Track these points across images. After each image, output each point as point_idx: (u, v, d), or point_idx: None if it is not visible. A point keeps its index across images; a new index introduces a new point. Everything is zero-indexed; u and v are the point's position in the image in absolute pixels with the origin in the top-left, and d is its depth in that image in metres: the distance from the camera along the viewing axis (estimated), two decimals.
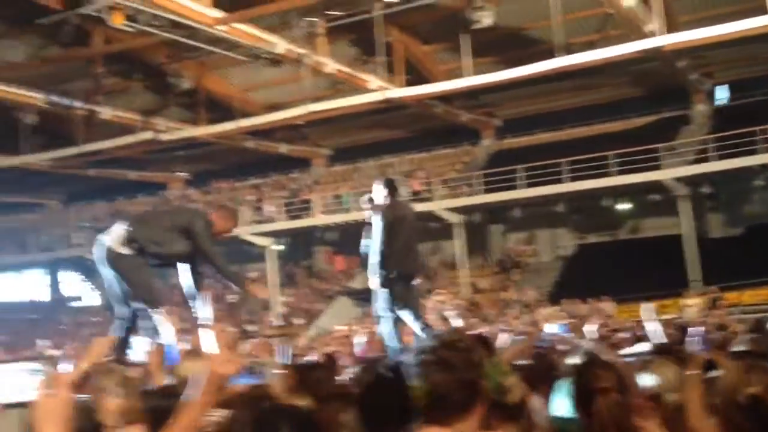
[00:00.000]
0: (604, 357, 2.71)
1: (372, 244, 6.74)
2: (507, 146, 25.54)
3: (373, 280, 6.76)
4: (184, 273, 5.91)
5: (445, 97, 21.59)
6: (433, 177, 24.23)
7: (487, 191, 22.58)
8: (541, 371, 3.44)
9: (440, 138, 25.82)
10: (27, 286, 31.97)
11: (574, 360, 2.81)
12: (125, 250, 5.65)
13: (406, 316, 6.78)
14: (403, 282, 6.84)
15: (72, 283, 32.03)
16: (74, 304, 30.96)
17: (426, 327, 6.88)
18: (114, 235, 5.71)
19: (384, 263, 6.69)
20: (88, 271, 29.73)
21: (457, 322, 13.58)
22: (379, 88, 19.44)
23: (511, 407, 2.51)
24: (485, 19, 16.54)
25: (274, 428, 1.66)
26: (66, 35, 16.73)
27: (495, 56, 20.30)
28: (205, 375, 1.88)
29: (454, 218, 22.64)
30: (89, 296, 30.66)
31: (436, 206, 22.63)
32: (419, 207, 22.84)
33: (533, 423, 2.81)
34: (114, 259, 5.65)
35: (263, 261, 25.53)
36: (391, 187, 6.99)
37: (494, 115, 25.79)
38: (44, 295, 32.02)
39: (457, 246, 22.80)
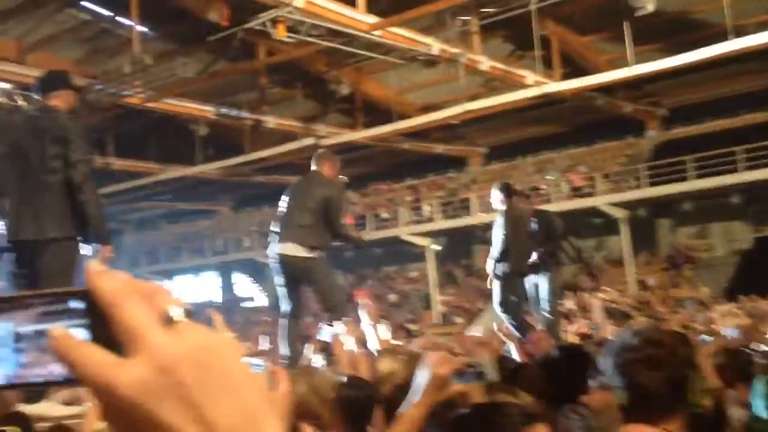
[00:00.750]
0: None
1: (494, 244, 7.55)
2: (674, 136, 24.31)
3: (489, 263, 7.69)
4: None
5: (607, 89, 20.87)
6: (594, 171, 23.51)
7: (654, 184, 21.64)
8: (737, 370, 3.26)
9: (601, 131, 24.98)
10: (203, 287, 33.99)
11: None
12: (309, 254, 5.88)
13: (505, 313, 7.51)
14: (518, 280, 7.57)
15: (243, 284, 33.73)
16: (246, 304, 32.57)
17: (520, 328, 7.52)
18: (289, 244, 5.94)
19: (503, 261, 7.43)
20: (257, 272, 31.20)
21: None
22: (536, 83, 19.09)
23: (707, 417, 2.39)
24: (648, 4, 15.82)
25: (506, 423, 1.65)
26: (233, 50, 17.64)
27: (659, 43, 19.40)
28: (426, 376, 1.90)
29: (618, 213, 21.84)
30: (259, 297, 32.17)
31: (599, 201, 21.94)
32: (581, 203, 22.36)
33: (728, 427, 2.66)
34: (297, 264, 5.90)
35: (422, 261, 25.77)
36: (506, 191, 7.56)
37: (660, 104, 24.63)
38: (218, 296, 33.91)
39: (623, 242, 22.00)
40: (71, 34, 19.08)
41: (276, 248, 6.04)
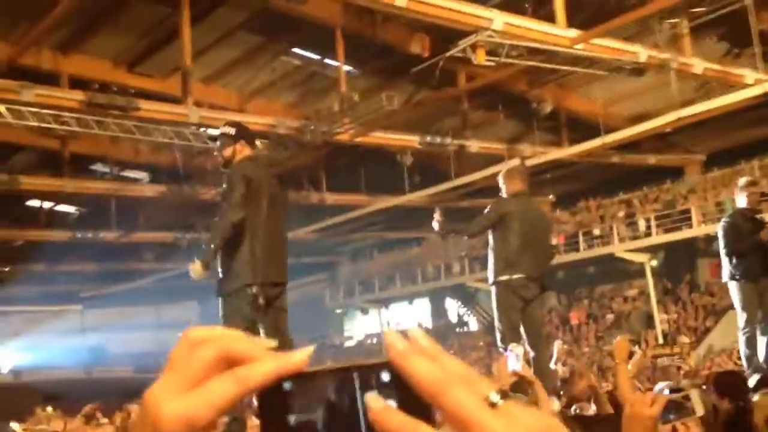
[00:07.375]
0: None
1: None
2: None
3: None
4: None
5: None
6: None
7: None
8: None
9: None
10: (415, 314, 34.57)
11: None
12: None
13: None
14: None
15: (454, 310, 33.91)
16: (458, 329, 32.73)
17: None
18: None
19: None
20: (467, 298, 31.31)
21: None
22: (757, 82, 17.67)
23: None
24: None
25: None
26: (434, 79, 17.94)
27: None
28: (633, 415, 1.74)
29: None
30: (470, 322, 32.21)
31: None
32: None
33: None
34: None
35: (640, 278, 24.61)
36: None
37: None
38: (429, 322, 34.32)
39: None
40: (285, 80, 20.37)
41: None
